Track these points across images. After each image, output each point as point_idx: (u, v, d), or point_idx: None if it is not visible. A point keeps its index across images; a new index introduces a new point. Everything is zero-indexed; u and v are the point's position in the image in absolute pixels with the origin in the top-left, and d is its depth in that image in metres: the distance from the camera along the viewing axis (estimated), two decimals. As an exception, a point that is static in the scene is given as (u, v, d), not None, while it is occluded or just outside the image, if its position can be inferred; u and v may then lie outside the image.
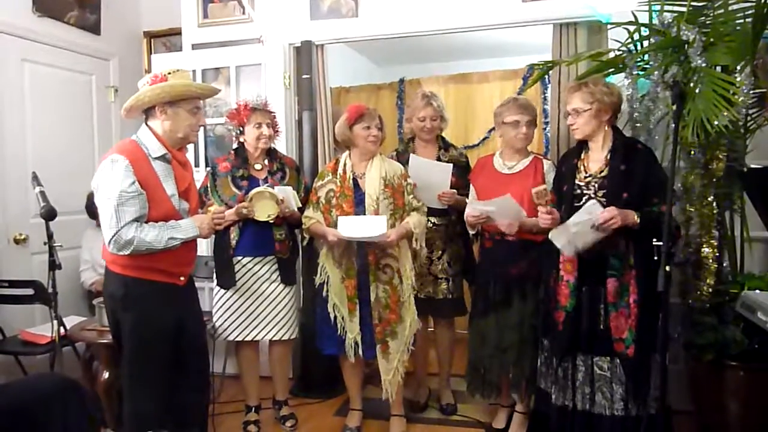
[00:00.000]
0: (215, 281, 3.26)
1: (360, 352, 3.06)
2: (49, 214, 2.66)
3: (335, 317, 3.07)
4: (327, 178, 3.16)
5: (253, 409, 3.38)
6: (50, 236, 2.68)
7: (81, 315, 3.72)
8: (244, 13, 4.14)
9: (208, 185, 3.19)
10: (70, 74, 4.28)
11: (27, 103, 3.95)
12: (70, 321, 3.36)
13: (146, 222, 2.45)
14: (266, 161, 3.24)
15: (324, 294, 3.11)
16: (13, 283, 3.48)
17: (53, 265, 2.67)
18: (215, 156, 3.92)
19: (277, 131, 3.30)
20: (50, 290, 2.69)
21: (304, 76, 3.96)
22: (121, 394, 2.93)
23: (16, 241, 3.83)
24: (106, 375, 3.04)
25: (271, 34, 4.06)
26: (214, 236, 3.13)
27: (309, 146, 3.93)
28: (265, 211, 3.03)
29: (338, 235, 2.95)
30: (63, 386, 2.17)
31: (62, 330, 3.01)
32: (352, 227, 2.94)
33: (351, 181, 3.08)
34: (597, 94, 2.64)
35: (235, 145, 3.29)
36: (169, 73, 2.56)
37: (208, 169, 3.27)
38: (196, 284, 2.82)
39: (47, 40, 4.07)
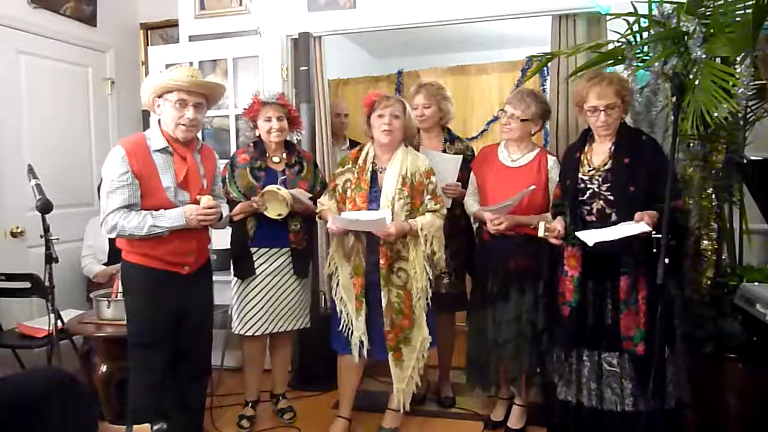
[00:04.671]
0: (232, 272, 3.25)
1: (364, 352, 2.95)
2: (45, 207, 2.66)
3: (341, 311, 2.99)
4: (347, 166, 3.05)
5: (251, 404, 3.37)
6: (46, 229, 2.68)
7: (79, 308, 3.71)
8: (241, 4, 4.12)
9: (227, 176, 3.18)
10: (67, 66, 4.26)
11: (23, 95, 3.93)
12: (68, 314, 3.34)
13: (141, 210, 2.54)
14: (284, 154, 3.23)
15: (330, 286, 3.06)
16: (9, 277, 3.48)
17: (50, 258, 2.67)
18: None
19: (296, 124, 3.29)
20: (47, 283, 2.69)
21: (302, 68, 3.95)
22: (119, 387, 2.98)
23: (13, 234, 3.82)
24: (103, 368, 3.03)
25: (269, 26, 4.04)
26: (230, 227, 3.15)
27: (306, 138, 3.91)
28: (275, 210, 3.04)
29: (335, 222, 2.86)
30: (60, 380, 2.16)
31: (59, 323, 3.01)
32: (349, 225, 2.86)
33: (369, 174, 2.96)
34: (625, 84, 2.64)
35: (254, 139, 3.29)
36: (172, 69, 2.66)
37: (227, 161, 3.26)
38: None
39: (43, 31, 4.04)
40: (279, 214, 3.03)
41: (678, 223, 2.26)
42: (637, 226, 2.44)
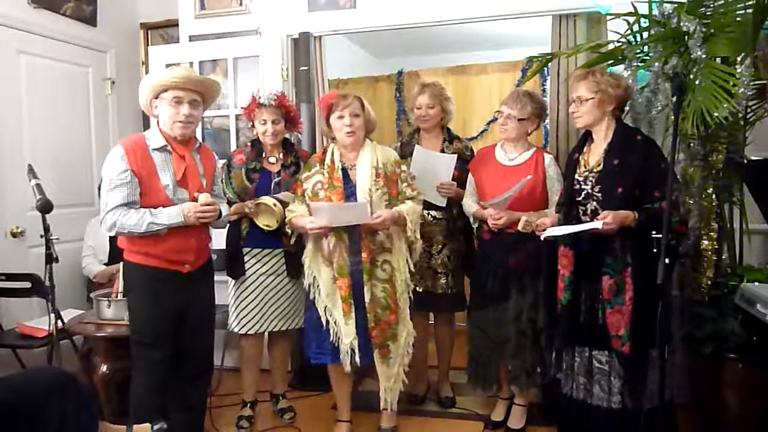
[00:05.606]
0: (226, 272, 3.26)
1: (357, 359, 2.86)
2: (45, 207, 2.66)
3: (327, 321, 2.88)
4: (314, 168, 2.98)
5: (249, 404, 3.37)
6: (47, 229, 2.68)
7: (79, 308, 3.72)
8: (241, 4, 4.12)
9: (223, 177, 3.19)
10: (67, 66, 4.26)
11: (23, 95, 3.93)
12: (68, 314, 3.35)
13: (141, 208, 2.57)
14: (281, 155, 3.24)
15: (312, 296, 2.94)
16: (10, 276, 3.48)
17: (50, 258, 2.68)
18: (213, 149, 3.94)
19: (294, 124, 3.28)
20: (47, 283, 2.70)
21: (302, 68, 3.95)
22: (119, 387, 2.99)
23: (13, 234, 3.82)
24: (104, 368, 3.03)
25: (269, 26, 4.04)
26: (227, 227, 3.17)
27: (307, 138, 3.91)
28: (265, 220, 3.06)
29: (319, 215, 2.78)
30: (61, 380, 2.16)
31: (60, 323, 3.01)
32: (330, 214, 2.79)
33: (340, 172, 2.91)
34: (602, 83, 2.62)
35: (252, 138, 3.31)
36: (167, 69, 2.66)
37: (224, 161, 3.27)
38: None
39: (43, 31, 4.04)
40: (267, 225, 3.05)
41: (669, 223, 2.27)
42: (591, 223, 2.48)
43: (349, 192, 2.89)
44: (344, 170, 2.94)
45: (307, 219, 2.85)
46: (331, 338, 2.89)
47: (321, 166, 2.97)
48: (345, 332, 2.86)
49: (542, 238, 2.66)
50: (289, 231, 3.00)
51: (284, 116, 3.19)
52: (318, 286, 2.92)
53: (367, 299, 2.84)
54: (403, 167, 3.02)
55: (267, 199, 3.04)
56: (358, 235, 2.85)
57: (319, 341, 2.94)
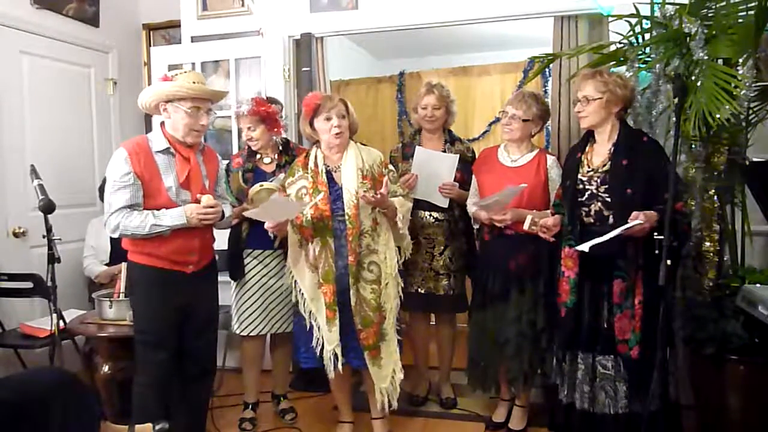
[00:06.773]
0: (228, 273, 3.26)
1: (339, 366, 2.82)
2: (48, 207, 2.67)
3: (311, 326, 2.86)
4: (298, 173, 2.92)
5: (251, 406, 3.37)
6: (49, 229, 2.69)
7: (81, 308, 3.72)
8: (243, 5, 4.12)
9: (223, 182, 3.18)
10: (69, 67, 4.26)
11: (26, 95, 3.93)
12: (70, 314, 3.35)
13: (144, 210, 2.58)
14: (276, 155, 3.24)
15: (295, 300, 2.94)
16: (12, 277, 3.50)
17: (52, 259, 2.69)
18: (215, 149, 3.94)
19: (271, 127, 3.21)
20: (49, 283, 2.70)
21: (304, 69, 3.96)
22: (121, 387, 2.99)
23: (15, 235, 3.82)
24: (105, 368, 3.03)
25: (271, 27, 4.04)
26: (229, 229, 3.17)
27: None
28: None
29: (267, 225, 2.78)
30: (62, 380, 2.17)
31: (62, 323, 3.02)
32: (265, 214, 2.77)
33: (324, 175, 2.85)
34: (610, 84, 2.60)
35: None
36: (177, 74, 2.65)
37: (227, 162, 3.28)
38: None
39: (46, 32, 4.05)
40: None
41: (677, 225, 2.25)
42: (626, 225, 2.41)
43: (335, 195, 2.85)
44: (329, 173, 2.89)
45: (267, 224, 2.83)
46: (314, 343, 2.87)
47: (304, 170, 2.92)
48: (328, 338, 2.82)
49: (587, 249, 2.51)
50: (272, 236, 3.00)
51: (260, 121, 3.16)
52: (300, 290, 2.90)
53: (353, 302, 2.81)
54: (391, 167, 3.01)
55: (253, 189, 3.03)
56: (345, 243, 2.82)
57: (307, 345, 2.92)
